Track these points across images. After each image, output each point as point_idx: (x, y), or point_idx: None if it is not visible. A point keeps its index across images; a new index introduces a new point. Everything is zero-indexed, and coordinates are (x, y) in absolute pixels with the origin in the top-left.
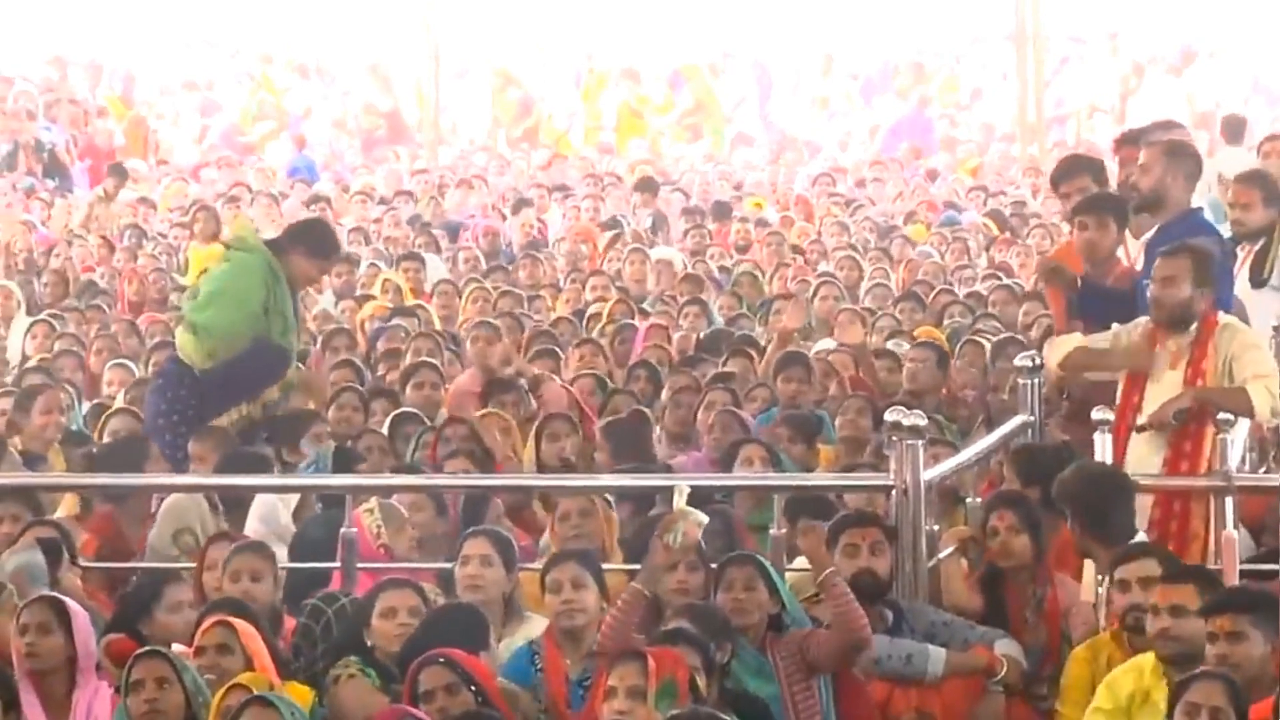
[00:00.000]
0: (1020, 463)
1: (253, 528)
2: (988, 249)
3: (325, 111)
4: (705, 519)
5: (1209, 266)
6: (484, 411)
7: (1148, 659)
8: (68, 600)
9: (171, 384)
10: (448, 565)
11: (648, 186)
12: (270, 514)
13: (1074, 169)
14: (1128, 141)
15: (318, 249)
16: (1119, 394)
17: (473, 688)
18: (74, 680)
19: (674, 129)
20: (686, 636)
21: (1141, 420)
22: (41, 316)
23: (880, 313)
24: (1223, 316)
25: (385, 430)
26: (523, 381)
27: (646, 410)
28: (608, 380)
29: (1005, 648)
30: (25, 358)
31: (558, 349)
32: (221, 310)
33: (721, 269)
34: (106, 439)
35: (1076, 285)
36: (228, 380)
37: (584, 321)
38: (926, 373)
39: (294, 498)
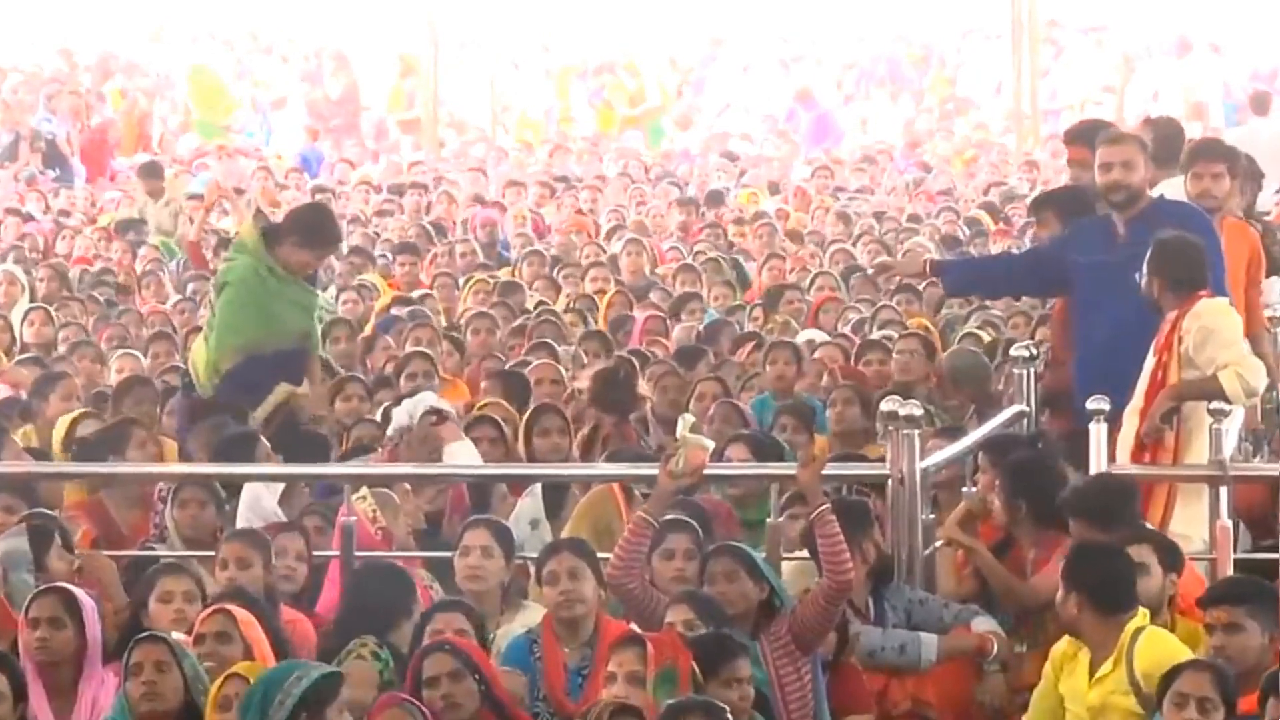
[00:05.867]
0: (994, 453)
1: (243, 517)
2: (971, 242)
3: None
4: (710, 444)
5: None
6: (484, 401)
7: None
8: (77, 591)
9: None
10: (448, 555)
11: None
12: (254, 501)
13: (1080, 135)
14: (1077, 139)
15: (308, 239)
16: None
17: (476, 675)
18: (81, 670)
19: (657, 118)
20: (735, 646)
21: (1129, 428)
22: (38, 305)
23: (880, 304)
24: (1201, 302)
25: (379, 418)
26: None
27: (633, 359)
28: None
29: (984, 624)
30: (24, 345)
31: (554, 341)
32: (220, 329)
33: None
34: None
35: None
36: (230, 393)
37: (568, 312)
38: (916, 362)
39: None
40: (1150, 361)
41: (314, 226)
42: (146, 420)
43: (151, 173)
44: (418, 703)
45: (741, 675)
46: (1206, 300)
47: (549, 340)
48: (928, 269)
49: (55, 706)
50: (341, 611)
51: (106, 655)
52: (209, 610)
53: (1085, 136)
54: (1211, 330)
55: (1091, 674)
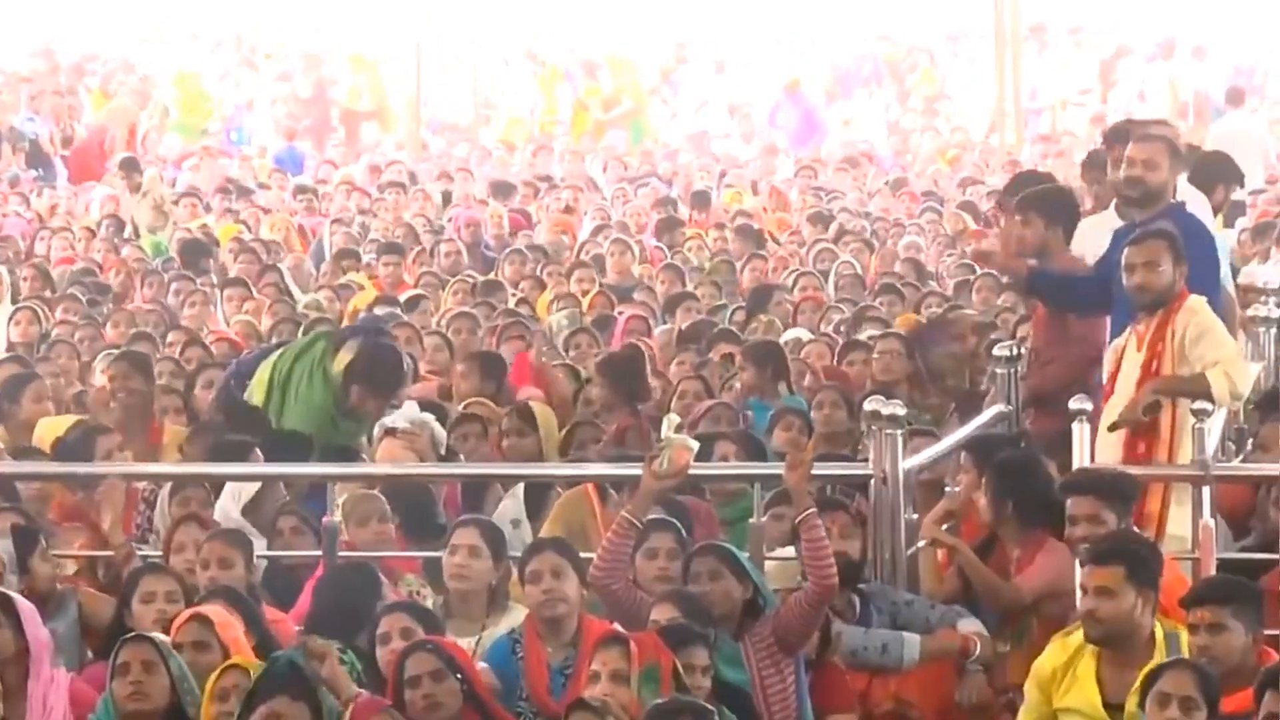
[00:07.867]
0: (978, 452)
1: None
2: (954, 242)
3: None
4: (695, 445)
5: (1179, 247)
6: (468, 401)
7: (1075, 636)
8: (13, 595)
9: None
10: (436, 554)
11: None
12: (221, 507)
13: (1119, 135)
14: (1120, 139)
15: (375, 389)
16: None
17: (459, 675)
18: (28, 671)
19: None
20: (693, 634)
21: (1109, 420)
22: (24, 304)
23: (861, 304)
24: (1191, 299)
25: None
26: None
27: (641, 346)
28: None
29: (969, 625)
30: (11, 345)
31: (529, 334)
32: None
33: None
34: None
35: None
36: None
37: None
38: (897, 363)
39: (247, 492)
40: (1138, 357)
41: (377, 377)
42: (144, 390)
43: (130, 166)
44: (397, 711)
45: (695, 662)
46: (1196, 297)
47: (524, 335)
48: (1026, 274)
49: (7, 708)
50: (311, 613)
51: (95, 655)
52: (185, 617)
53: (1124, 136)
54: (1206, 327)
55: (1101, 678)
